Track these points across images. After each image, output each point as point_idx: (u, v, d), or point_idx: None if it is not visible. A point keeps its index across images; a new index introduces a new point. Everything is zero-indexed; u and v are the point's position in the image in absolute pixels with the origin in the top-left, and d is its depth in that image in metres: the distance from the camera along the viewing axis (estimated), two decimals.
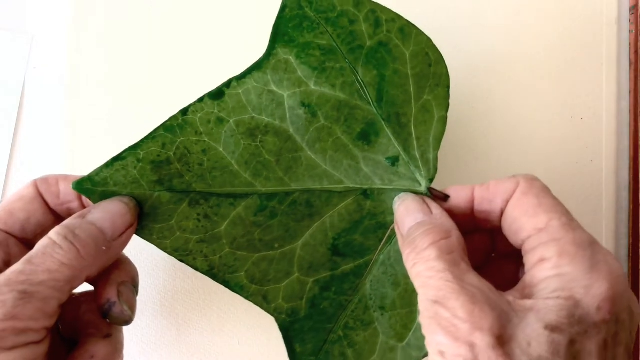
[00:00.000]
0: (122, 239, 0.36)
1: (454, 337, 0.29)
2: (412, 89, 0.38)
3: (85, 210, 0.36)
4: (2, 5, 0.48)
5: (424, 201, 0.36)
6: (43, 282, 0.31)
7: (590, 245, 0.31)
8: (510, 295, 0.31)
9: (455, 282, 0.30)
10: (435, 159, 0.38)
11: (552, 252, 0.31)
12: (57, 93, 0.47)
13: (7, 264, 0.34)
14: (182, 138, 0.37)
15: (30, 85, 0.48)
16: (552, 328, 0.29)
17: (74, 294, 0.38)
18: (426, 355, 0.38)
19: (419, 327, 0.38)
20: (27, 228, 0.37)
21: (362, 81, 0.38)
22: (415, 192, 0.38)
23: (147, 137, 0.37)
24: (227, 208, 0.38)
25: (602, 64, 0.47)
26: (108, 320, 0.36)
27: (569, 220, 0.32)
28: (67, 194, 0.38)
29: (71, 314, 0.37)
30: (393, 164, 0.38)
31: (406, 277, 0.38)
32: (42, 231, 0.36)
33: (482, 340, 0.28)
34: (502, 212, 0.35)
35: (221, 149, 0.38)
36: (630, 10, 0.48)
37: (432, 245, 0.32)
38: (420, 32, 0.38)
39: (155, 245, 0.38)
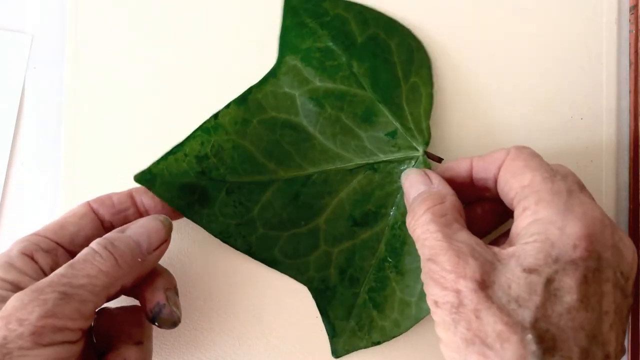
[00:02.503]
0: (156, 253, 0.39)
1: (443, 286, 0.33)
2: (400, 74, 0.45)
3: (124, 226, 0.39)
4: (2, 5, 0.49)
5: (426, 173, 0.41)
6: (82, 285, 0.33)
7: (567, 192, 0.34)
8: (498, 247, 0.34)
9: (445, 240, 0.34)
10: (428, 127, 0.44)
11: (531, 201, 0.34)
12: (57, 93, 0.48)
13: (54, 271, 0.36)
14: (215, 137, 0.44)
15: (30, 85, 0.48)
16: (529, 270, 0.32)
17: (108, 309, 0.41)
18: None
19: None
20: (75, 240, 0.39)
21: (357, 72, 0.45)
22: (415, 157, 0.44)
23: (189, 137, 0.44)
24: (258, 194, 0.44)
25: (602, 64, 0.47)
26: (156, 324, 0.38)
27: (551, 175, 0.35)
28: (121, 203, 0.42)
29: (105, 326, 0.40)
30: (392, 137, 0.44)
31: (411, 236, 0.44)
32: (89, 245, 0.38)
33: (466, 286, 0.32)
34: (496, 178, 0.38)
35: (248, 145, 0.44)
36: (630, 10, 0.48)
37: (427, 211, 0.36)
38: (401, 26, 0.45)
39: (204, 228, 0.44)
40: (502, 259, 0.33)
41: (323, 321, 0.45)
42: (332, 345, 0.45)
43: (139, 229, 0.38)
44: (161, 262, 0.42)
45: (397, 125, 0.44)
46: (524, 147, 0.38)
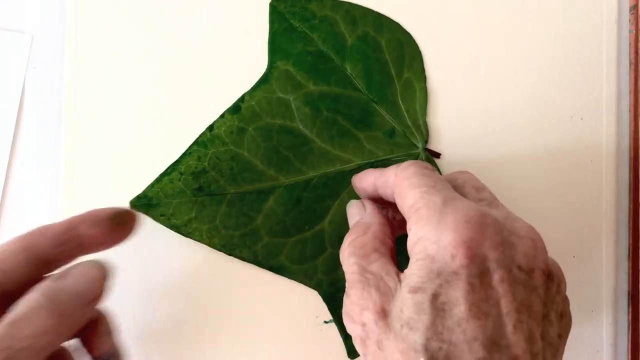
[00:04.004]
0: (96, 302, 0.36)
1: (352, 320, 0.34)
2: (393, 71, 0.45)
3: (60, 272, 0.36)
4: (2, 5, 0.49)
5: (362, 204, 0.40)
6: (24, 348, 0.31)
7: (442, 203, 0.33)
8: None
9: (358, 272, 0.34)
10: (425, 123, 0.45)
11: (412, 221, 0.33)
12: (57, 93, 0.48)
13: None
14: (212, 150, 0.44)
15: (30, 85, 0.48)
16: (414, 290, 0.31)
17: None
18: None
19: None
20: (6, 279, 0.35)
21: (351, 74, 0.45)
22: (414, 154, 0.44)
23: (184, 153, 0.44)
24: (260, 203, 0.44)
25: (602, 64, 0.47)
26: None
27: (429, 189, 0.34)
28: (61, 234, 0.37)
29: None
30: (390, 137, 0.45)
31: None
32: (24, 284, 0.35)
33: (369, 318, 0.32)
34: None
35: (246, 153, 0.44)
36: (630, 10, 0.48)
37: (350, 244, 0.36)
38: (389, 20, 0.45)
39: (206, 244, 0.44)
40: (400, 285, 0.33)
41: (335, 323, 0.45)
42: (347, 346, 0.45)
43: (80, 278, 0.35)
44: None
45: (394, 124, 0.45)
46: (409, 166, 0.36)
